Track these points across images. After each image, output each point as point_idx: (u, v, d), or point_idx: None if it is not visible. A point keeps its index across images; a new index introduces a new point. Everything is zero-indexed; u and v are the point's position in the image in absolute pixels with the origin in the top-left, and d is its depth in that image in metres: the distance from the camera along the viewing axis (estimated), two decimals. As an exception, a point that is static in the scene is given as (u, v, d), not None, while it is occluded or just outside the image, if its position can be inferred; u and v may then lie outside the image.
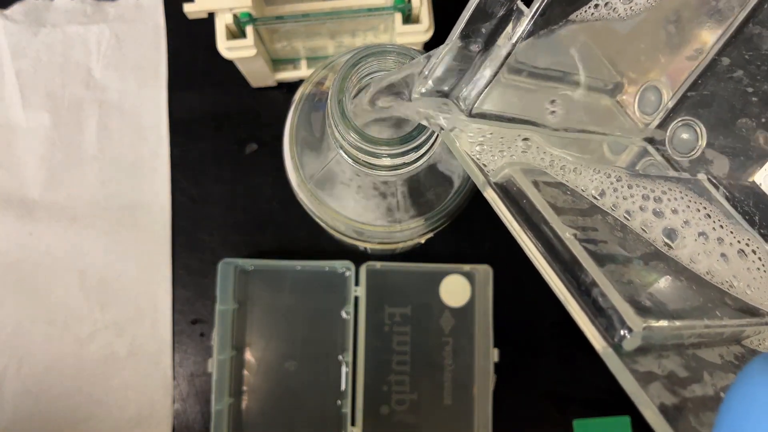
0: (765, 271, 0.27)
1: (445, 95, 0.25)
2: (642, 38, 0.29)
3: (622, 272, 0.22)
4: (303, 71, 0.52)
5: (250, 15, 0.43)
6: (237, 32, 0.45)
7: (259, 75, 0.51)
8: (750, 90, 0.28)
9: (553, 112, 0.27)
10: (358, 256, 0.50)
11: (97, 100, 0.53)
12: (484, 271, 0.50)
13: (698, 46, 0.29)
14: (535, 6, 0.23)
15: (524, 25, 0.23)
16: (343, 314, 0.50)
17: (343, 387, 0.49)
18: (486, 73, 0.24)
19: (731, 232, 0.27)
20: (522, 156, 0.26)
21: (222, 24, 0.44)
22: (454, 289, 0.51)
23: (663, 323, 0.20)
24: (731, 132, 0.29)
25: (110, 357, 0.50)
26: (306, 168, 0.34)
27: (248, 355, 0.50)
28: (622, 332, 0.20)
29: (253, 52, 0.45)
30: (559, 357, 0.51)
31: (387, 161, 0.28)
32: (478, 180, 0.25)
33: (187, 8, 0.43)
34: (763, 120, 0.28)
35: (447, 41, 0.24)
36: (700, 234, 0.27)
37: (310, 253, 0.51)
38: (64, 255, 0.51)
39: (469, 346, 0.50)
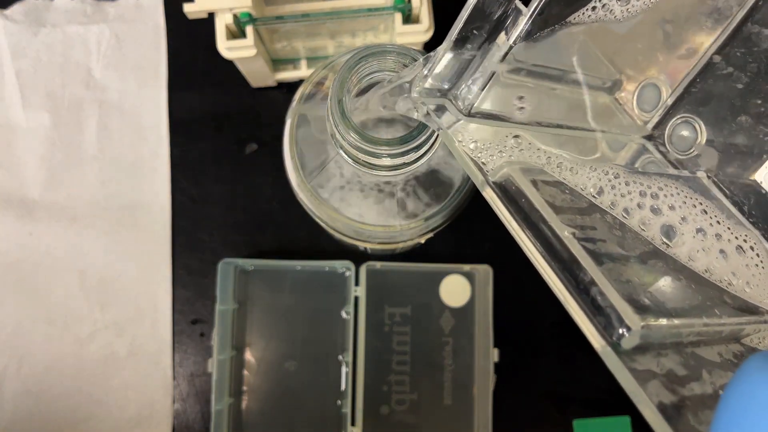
0: (764, 268, 0.27)
1: (444, 94, 0.25)
2: (641, 36, 0.29)
3: (621, 271, 0.22)
4: (303, 71, 0.52)
5: (250, 15, 0.43)
6: (237, 32, 0.45)
7: (259, 75, 0.51)
8: (749, 88, 0.28)
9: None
10: (358, 256, 0.50)
11: (97, 100, 0.53)
12: (484, 271, 0.50)
13: (697, 43, 0.29)
14: (533, 5, 0.23)
15: (522, 24, 0.23)
16: (343, 314, 0.50)
17: (343, 387, 0.49)
18: (484, 72, 0.24)
19: (729, 228, 0.27)
20: (519, 154, 0.26)
21: (222, 24, 0.44)
22: (454, 289, 0.51)
23: (662, 322, 0.20)
24: (731, 129, 0.29)
25: (110, 357, 0.50)
26: (306, 168, 0.34)
27: (248, 355, 0.50)
28: (620, 331, 0.20)
29: (253, 52, 0.45)
30: (559, 357, 0.51)
31: (387, 161, 0.28)
32: (477, 179, 0.25)
33: (187, 8, 0.43)
34: (763, 117, 0.28)
35: (446, 41, 0.24)
36: (698, 231, 0.27)
37: (310, 253, 0.51)
38: (64, 255, 0.51)
39: (469, 346, 0.50)
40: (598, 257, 0.21)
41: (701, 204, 0.28)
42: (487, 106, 0.25)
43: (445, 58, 0.25)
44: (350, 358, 0.48)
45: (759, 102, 0.28)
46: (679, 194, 0.27)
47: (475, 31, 0.24)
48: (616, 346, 0.20)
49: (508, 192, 0.24)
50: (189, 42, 0.54)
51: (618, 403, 0.50)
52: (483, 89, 0.24)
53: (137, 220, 0.52)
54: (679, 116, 0.30)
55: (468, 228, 0.51)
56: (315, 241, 0.52)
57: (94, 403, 0.50)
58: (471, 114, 0.25)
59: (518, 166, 0.25)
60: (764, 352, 0.18)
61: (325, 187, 0.34)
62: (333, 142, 0.29)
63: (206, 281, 0.51)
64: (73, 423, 0.50)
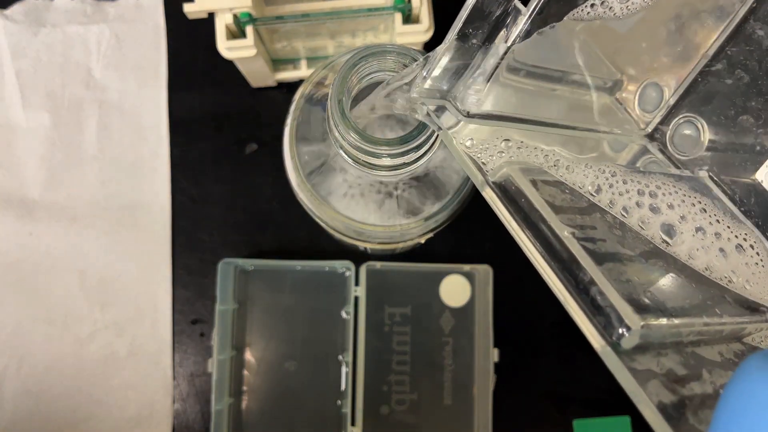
0: (764, 266, 0.27)
1: (444, 95, 0.25)
2: (642, 36, 0.29)
3: (621, 270, 0.22)
4: (303, 71, 0.52)
5: (250, 15, 0.43)
6: (237, 32, 0.45)
7: (259, 75, 0.51)
8: (751, 86, 0.28)
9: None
10: (358, 256, 0.50)
11: (97, 100, 0.53)
12: (484, 271, 0.50)
13: (699, 42, 0.29)
14: (532, 5, 0.23)
15: (521, 24, 0.23)
16: (343, 314, 0.50)
17: (343, 387, 0.49)
18: (484, 72, 0.24)
19: (728, 227, 0.27)
20: (516, 153, 0.26)
21: (222, 24, 0.44)
22: (454, 289, 0.51)
23: (661, 321, 0.20)
24: (733, 129, 0.29)
25: (110, 357, 0.50)
26: (306, 168, 0.34)
27: (248, 355, 0.50)
28: (620, 330, 0.20)
29: (253, 52, 0.45)
30: (559, 357, 0.51)
31: (387, 161, 0.28)
32: (477, 179, 0.25)
33: (187, 8, 0.43)
34: (765, 117, 0.28)
35: (445, 41, 0.24)
36: (698, 229, 0.27)
37: (310, 253, 0.51)
38: (64, 255, 0.51)
39: (469, 346, 0.50)
40: (598, 257, 0.21)
41: (700, 203, 0.28)
42: (486, 106, 0.25)
43: (444, 58, 0.25)
44: (350, 358, 0.48)
45: (761, 101, 0.28)
46: (677, 193, 0.27)
47: (474, 31, 0.24)
48: (615, 346, 0.20)
49: (507, 192, 0.24)
50: (189, 42, 0.54)
51: (618, 403, 0.50)
52: (483, 89, 0.24)
53: (137, 220, 0.52)
54: (681, 116, 0.30)
55: (468, 228, 0.51)
56: (315, 241, 0.52)
57: (94, 403, 0.50)
58: (470, 114, 0.25)
59: (518, 166, 0.25)
60: (763, 351, 0.18)
61: (325, 187, 0.34)
62: (333, 142, 0.29)
63: (206, 281, 0.51)
64: (73, 423, 0.50)
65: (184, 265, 0.52)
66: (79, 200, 0.52)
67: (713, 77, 0.29)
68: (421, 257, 0.51)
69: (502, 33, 0.24)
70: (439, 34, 0.44)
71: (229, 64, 0.47)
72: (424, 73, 0.25)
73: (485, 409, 0.49)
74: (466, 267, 0.51)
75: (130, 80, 0.54)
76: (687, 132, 0.30)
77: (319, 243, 0.51)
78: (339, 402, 0.49)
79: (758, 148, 0.28)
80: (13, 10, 0.54)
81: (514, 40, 0.23)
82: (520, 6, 0.23)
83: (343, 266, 0.49)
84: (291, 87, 0.54)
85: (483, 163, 0.25)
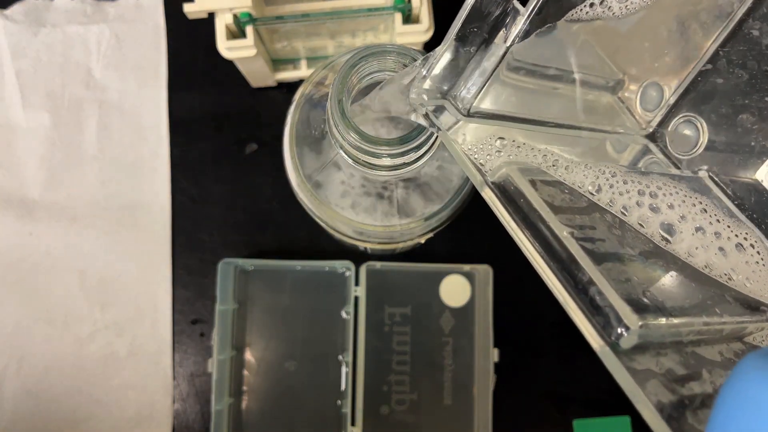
0: (764, 265, 0.27)
1: (444, 95, 0.25)
2: (642, 35, 0.29)
3: (620, 270, 0.22)
4: (303, 71, 0.52)
5: (250, 15, 0.43)
6: (237, 32, 0.45)
7: (259, 75, 0.51)
8: (750, 86, 0.28)
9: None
10: (358, 256, 0.50)
11: (97, 100, 0.53)
12: (484, 271, 0.50)
13: (699, 42, 0.29)
14: (531, 5, 0.23)
15: (520, 24, 0.23)
16: (343, 314, 0.50)
17: (343, 387, 0.49)
18: (484, 72, 0.24)
19: (728, 227, 0.27)
20: (514, 152, 0.26)
21: (222, 24, 0.44)
22: (454, 289, 0.51)
23: (660, 321, 0.20)
24: (733, 128, 0.29)
25: (110, 357, 0.50)
26: (306, 168, 0.34)
27: (248, 355, 0.50)
28: (619, 330, 0.20)
29: (253, 52, 0.45)
30: (559, 357, 0.51)
31: (387, 161, 0.28)
32: (476, 180, 0.25)
33: (187, 8, 0.43)
34: (764, 116, 0.28)
35: (444, 41, 0.24)
36: (698, 229, 0.27)
37: (310, 253, 0.51)
38: (64, 255, 0.51)
39: (469, 346, 0.50)
40: (597, 257, 0.21)
41: (701, 203, 0.28)
42: (486, 105, 0.25)
43: (443, 58, 0.24)
44: (350, 358, 0.48)
45: (760, 100, 0.28)
46: (678, 193, 0.27)
47: (473, 32, 0.24)
48: (614, 346, 0.20)
49: (506, 192, 0.24)
50: (189, 42, 0.54)
51: (618, 403, 0.50)
52: (482, 89, 0.24)
53: (137, 220, 0.52)
54: (681, 115, 0.30)
55: (468, 228, 0.51)
56: (315, 241, 0.52)
57: (94, 403, 0.50)
58: (470, 114, 0.25)
59: (516, 166, 0.25)
60: (760, 350, 0.18)
61: (325, 187, 0.34)
62: (333, 142, 0.29)
63: (206, 281, 0.51)
64: (73, 423, 0.50)
65: (184, 265, 0.52)
66: (79, 200, 0.52)
67: (713, 76, 0.29)
68: (421, 257, 0.51)
69: (501, 33, 0.24)
70: (439, 34, 0.44)
71: (229, 64, 0.47)
72: (424, 73, 0.25)
73: (485, 409, 0.49)
74: (466, 267, 0.51)
75: (130, 80, 0.54)
76: (687, 132, 0.30)
77: (319, 243, 0.51)
78: (339, 402, 0.49)
79: (758, 147, 0.28)
80: (13, 10, 0.54)
81: (513, 41, 0.23)
82: (518, 6, 0.23)
83: (343, 266, 0.49)
84: (291, 87, 0.54)
85: (481, 163, 0.25)
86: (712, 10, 0.28)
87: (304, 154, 0.34)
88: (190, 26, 0.48)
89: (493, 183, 0.25)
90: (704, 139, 0.30)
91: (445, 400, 0.50)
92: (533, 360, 0.51)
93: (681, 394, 0.20)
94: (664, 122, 0.31)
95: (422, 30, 0.45)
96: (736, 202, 0.29)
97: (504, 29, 0.24)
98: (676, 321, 0.21)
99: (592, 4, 0.26)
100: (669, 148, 0.31)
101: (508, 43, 0.24)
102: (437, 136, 0.28)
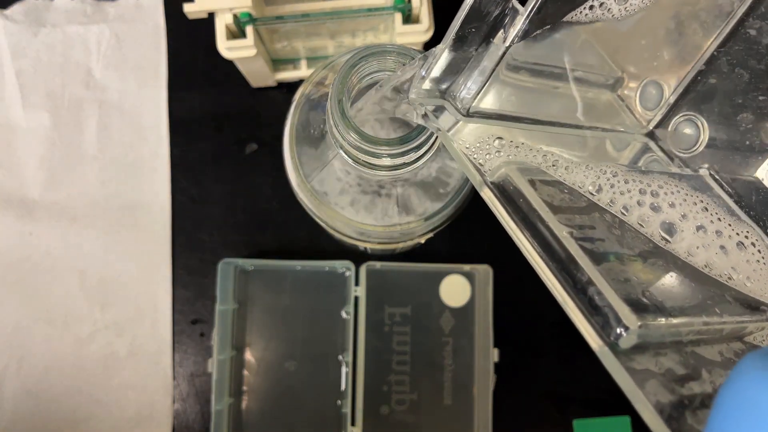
0: (765, 264, 0.27)
1: (443, 95, 0.25)
2: (642, 34, 0.29)
3: (620, 270, 0.22)
4: (303, 71, 0.52)
5: (250, 15, 0.43)
6: (237, 32, 0.45)
7: (259, 75, 0.51)
8: (751, 84, 0.28)
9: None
10: (358, 256, 0.50)
11: (97, 100, 0.53)
12: (484, 271, 0.50)
13: (699, 40, 0.29)
14: (530, 5, 0.23)
15: (519, 24, 0.23)
16: (343, 314, 0.50)
17: (343, 387, 0.49)
18: (483, 72, 0.24)
19: (729, 225, 0.27)
20: (515, 153, 0.26)
21: (222, 24, 0.44)
22: (454, 289, 0.51)
23: (660, 321, 0.20)
24: (733, 127, 0.29)
25: (110, 357, 0.50)
26: (306, 168, 0.34)
27: (248, 355, 0.50)
28: (618, 330, 0.20)
29: (253, 52, 0.45)
30: (559, 357, 0.51)
31: (387, 161, 0.28)
32: (475, 180, 0.25)
33: (187, 8, 0.43)
34: (765, 114, 0.28)
35: (443, 41, 0.24)
36: (699, 227, 0.27)
37: (310, 253, 0.51)
38: (64, 255, 0.51)
39: (469, 346, 0.50)
40: (596, 257, 0.21)
41: (702, 201, 0.28)
42: (486, 105, 0.25)
43: (442, 58, 0.24)
44: (350, 358, 0.48)
45: (761, 98, 0.28)
46: (679, 192, 0.27)
47: (472, 32, 0.24)
48: (613, 346, 0.20)
49: (505, 192, 0.24)
50: (189, 42, 0.54)
51: (618, 403, 0.50)
52: (481, 89, 0.24)
53: (137, 220, 0.52)
54: (681, 114, 0.30)
55: (468, 228, 0.51)
56: (315, 241, 0.52)
57: (94, 403, 0.50)
58: (470, 114, 0.25)
59: (515, 166, 0.25)
60: (759, 351, 0.18)
61: (325, 187, 0.34)
62: (333, 142, 0.29)
63: (206, 281, 0.51)
64: (73, 423, 0.50)
65: (184, 265, 0.52)
66: (79, 200, 0.52)
67: (713, 75, 0.29)
68: (421, 257, 0.51)
69: (500, 33, 0.24)
70: (439, 34, 0.44)
71: (229, 64, 0.47)
72: (423, 73, 0.25)
73: (485, 409, 0.49)
74: (466, 267, 0.51)
75: (130, 80, 0.54)
76: (687, 131, 0.30)
77: (319, 243, 0.51)
78: (339, 402, 0.49)
79: (758, 146, 0.28)
80: (13, 10, 0.54)
81: (513, 40, 0.23)
82: (518, 6, 0.23)
83: (343, 266, 0.49)
84: (291, 87, 0.54)
85: (480, 163, 0.25)
86: (712, 9, 0.28)
87: (304, 154, 0.34)
88: (190, 26, 0.48)
89: (492, 183, 0.25)
90: (705, 137, 0.30)
91: (445, 400, 0.50)
92: (533, 360, 0.51)
93: (680, 394, 0.20)
94: (664, 120, 0.31)
95: (422, 30, 0.45)
96: (736, 201, 0.29)
97: (503, 29, 0.24)
98: (675, 321, 0.21)
99: (591, 7, 0.26)
100: (669, 146, 0.31)
101: (507, 43, 0.24)
102: (437, 136, 0.28)
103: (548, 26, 0.24)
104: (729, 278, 0.26)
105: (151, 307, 0.51)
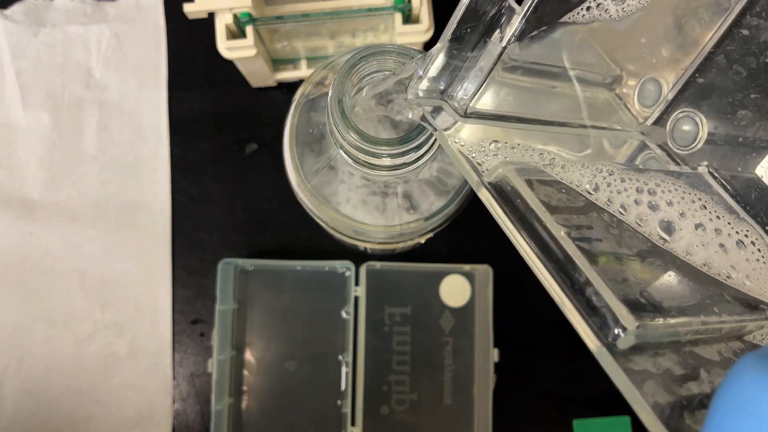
0: (765, 263, 0.26)
1: (440, 96, 0.25)
2: (640, 32, 0.29)
3: (617, 270, 0.22)
4: (303, 71, 0.52)
5: (250, 15, 0.43)
6: (237, 32, 0.45)
7: (259, 75, 0.51)
8: (749, 81, 0.28)
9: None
10: (358, 256, 0.50)
11: (97, 100, 0.53)
12: (484, 271, 0.50)
13: (697, 37, 0.29)
14: (526, 4, 0.23)
15: (516, 23, 0.23)
16: (343, 314, 0.50)
17: (343, 387, 0.49)
18: (480, 72, 0.24)
19: (729, 223, 0.27)
20: (511, 153, 0.26)
21: (222, 24, 0.44)
22: (454, 289, 0.51)
23: (658, 321, 0.20)
24: (732, 123, 0.29)
25: (110, 357, 0.51)
26: (306, 168, 0.34)
27: (248, 355, 0.50)
28: (615, 331, 0.20)
29: (253, 52, 0.45)
30: (559, 357, 0.51)
31: (387, 161, 0.28)
32: (472, 180, 0.25)
33: (187, 8, 0.43)
34: (763, 111, 0.28)
35: (440, 41, 0.24)
36: (697, 226, 0.26)
37: (310, 253, 0.51)
38: (64, 255, 0.51)
39: (469, 346, 0.50)
40: (594, 257, 0.21)
41: (700, 200, 0.28)
42: (483, 105, 0.25)
43: (439, 59, 0.24)
44: (350, 358, 0.48)
45: (759, 95, 0.28)
46: (677, 190, 0.27)
47: (469, 31, 0.24)
48: (611, 347, 0.20)
49: (503, 192, 0.24)
50: (189, 42, 0.54)
51: (618, 403, 0.49)
52: (479, 89, 0.24)
53: (137, 220, 0.52)
54: (680, 111, 0.30)
55: (468, 228, 0.51)
56: (315, 241, 0.52)
57: (94, 403, 0.50)
58: (467, 115, 0.25)
59: (513, 166, 0.25)
60: (757, 351, 0.18)
61: (325, 187, 0.34)
62: (333, 142, 0.29)
63: (206, 281, 0.51)
64: (73, 423, 0.50)
65: (184, 265, 0.52)
66: (79, 200, 0.52)
67: (711, 72, 0.29)
68: (421, 257, 0.51)
69: (497, 33, 0.24)
70: (439, 34, 0.44)
71: (229, 64, 0.47)
72: (420, 73, 0.25)
73: (485, 409, 0.49)
74: (466, 267, 0.51)
75: (130, 80, 0.54)
76: (686, 127, 0.30)
77: (319, 243, 0.51)
78: (339, 402, 0.49)
79: (757, 143, 0.28)
80: (13, 10, 0.54)
81: (509, 40, 0.23)
82: (514, 5, 0.23)
83: (343, 266, 0.49)
84: (291, 87, 0.54)
85: (479, 163, 0.25)
86: (710, 6, 0.28)
87: (304, 154, 0.34)
88: (190, 26, 0.48)
89: (489, 183, 0.25)
90: (704, 134, 0.30)
91: (445, 400, 0.50)
92: (533, 360, 0.51)
93: (679, 394, 0.20)
94: (662, 118, 0.31)
95: (422, 30, 0.45)
96: (736, 198, 0.29)
97: (500, 29, 0.24)
98: (673, 321, 0.21)
99: (588, 7, 0.26)
100: (668, 143, 0.31)
101: (504, 43, 0.24)
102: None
103: (545, 27, 0.24)
104: (728, 277, 0.26)
105: (151, 307, 0.51)
